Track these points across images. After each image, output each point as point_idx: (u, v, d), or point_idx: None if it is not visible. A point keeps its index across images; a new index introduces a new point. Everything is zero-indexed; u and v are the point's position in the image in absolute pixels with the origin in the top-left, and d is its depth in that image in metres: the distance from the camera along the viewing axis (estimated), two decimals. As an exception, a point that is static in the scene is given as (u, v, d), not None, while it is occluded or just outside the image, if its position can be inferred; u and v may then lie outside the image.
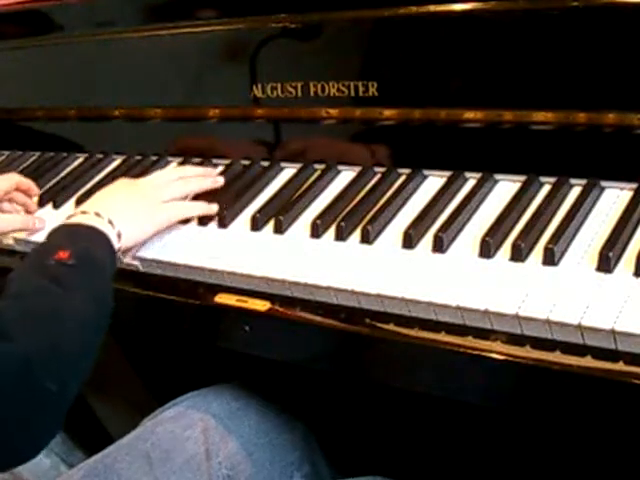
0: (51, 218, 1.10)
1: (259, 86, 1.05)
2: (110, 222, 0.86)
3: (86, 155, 1.25)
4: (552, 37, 0.84)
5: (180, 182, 0.98)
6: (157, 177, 0.99)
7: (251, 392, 0.98)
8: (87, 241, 0.83)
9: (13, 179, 1.08)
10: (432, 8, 0.90)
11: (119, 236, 0.86)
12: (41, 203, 1.14)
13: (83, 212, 0.88)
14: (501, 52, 0.88)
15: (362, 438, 1.14)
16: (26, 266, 0.80)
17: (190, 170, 1.04)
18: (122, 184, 0.97)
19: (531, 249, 0.78)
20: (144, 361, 1.35)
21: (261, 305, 0.85)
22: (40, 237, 1.04)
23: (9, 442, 0.68)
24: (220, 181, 1.02)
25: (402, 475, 0.91)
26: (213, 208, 0.97)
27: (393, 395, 1.06)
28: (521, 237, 0.79)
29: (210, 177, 1.02)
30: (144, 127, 1.20)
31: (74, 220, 0.87)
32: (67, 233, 0.84)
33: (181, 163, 1.13)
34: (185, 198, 0.98)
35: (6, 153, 1.35)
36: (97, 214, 0.86)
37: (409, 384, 0.82)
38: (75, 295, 0.75)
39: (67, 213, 1.10)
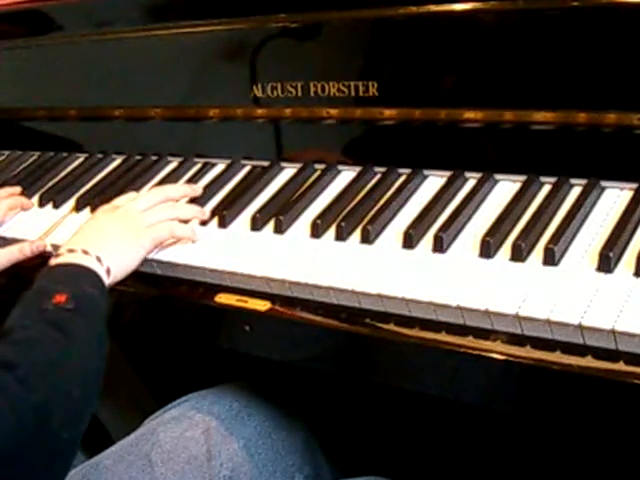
0: (51, 218, 1.11)
1: (259, 86, 1.05)
2: (98, 259, 0.85)
3: (86, 155, 1.25)
4: (552, 37, 0.84)
5: (167, 205, 0.96)
6: (141, 201, 0.96)
7: (253, 393, 0.98)
8: (81, 282, 0.81)
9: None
10: (432, 8, 0.89)
11: (108, 272, 0.85)
12: (41, 203, 1.14)
13: (70, 250, 0.85)
14: (501, 52, 0.88)
15: (363, 439, 1.14)
16: (24, 311, 0.77)
17: (175, 190, 1.02)
18: (105, 214, 0.94)
19: (531, 249, 0.78)
20: (145, 362, 1.35)
21: (261, 305, 0.85)
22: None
23: None
24: (206, 214, 0.99)
25: (402, 475, 0.91)
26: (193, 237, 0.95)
27: (393, 395, 1.06)
28: (521, 237, 0.79)
29: (199, 209, 1.00)
30: (144, 127, 1.20)
31: (63, 260, 0.84)
32: (60, 274, 0.82)
33: (181, 163, 1.13)
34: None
35: (6, 153, 1.35)
36: (85, 252, 0.85)
37: (409, 384, 0.82)
38: (80, 341, 0.75)
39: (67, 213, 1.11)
